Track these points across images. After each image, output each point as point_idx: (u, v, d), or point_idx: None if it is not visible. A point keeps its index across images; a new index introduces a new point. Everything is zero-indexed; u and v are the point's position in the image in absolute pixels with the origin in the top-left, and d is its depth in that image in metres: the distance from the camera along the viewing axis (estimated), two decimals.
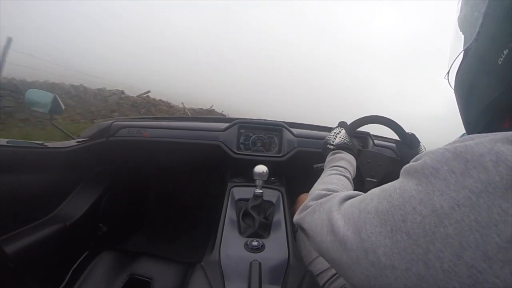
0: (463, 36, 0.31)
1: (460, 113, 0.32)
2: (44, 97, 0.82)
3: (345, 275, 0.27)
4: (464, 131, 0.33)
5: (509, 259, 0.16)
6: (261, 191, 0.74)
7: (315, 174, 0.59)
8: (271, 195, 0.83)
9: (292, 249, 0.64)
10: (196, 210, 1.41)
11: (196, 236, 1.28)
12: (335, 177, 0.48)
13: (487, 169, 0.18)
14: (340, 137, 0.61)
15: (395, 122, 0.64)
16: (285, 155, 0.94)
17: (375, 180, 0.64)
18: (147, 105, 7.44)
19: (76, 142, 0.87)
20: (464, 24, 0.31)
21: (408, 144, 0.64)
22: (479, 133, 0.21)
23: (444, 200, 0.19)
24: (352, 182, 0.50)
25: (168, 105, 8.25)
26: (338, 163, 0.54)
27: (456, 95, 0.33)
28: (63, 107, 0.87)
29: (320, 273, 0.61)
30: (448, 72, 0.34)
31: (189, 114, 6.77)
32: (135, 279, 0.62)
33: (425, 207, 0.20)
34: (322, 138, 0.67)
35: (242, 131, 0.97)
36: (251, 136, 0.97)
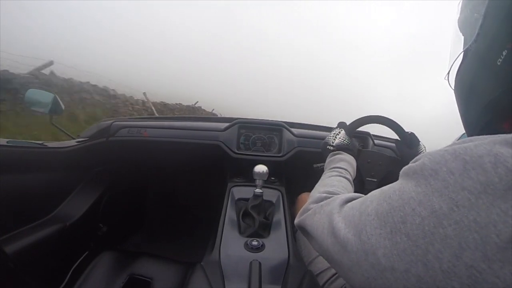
0: (463, 37, 0.32)
1: (460, 114, 0.33)
2: (44, 97, 0.82)
3: (346, 276, 0.27)
4: (464, 131, 0.33)
5: (509, 259, 0.16)
6: (261, 191, 0.74)
7: (315, 174, 0.59)
8: (271, 195, 0.83)
9: (292, 249, 0.64)
10: (196, 210, 1.40)
11: (196, 236, 1.28)
12: (336, 178, 0.48)
13: (486, 171, 0.18)
14: (339, 137, 0.61)
15: (395, 122, 0.64)
16: (285, 155, 0.94)
17: (376, 180, 0.64)
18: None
19: (76, 142, 0.88)
20: (464, 25, 0.32)
21: (408, 144, 0.64)
22: (478, 133, 0.21)
23: (443, 201, 0.19)
24: (352, 183, 0.50)
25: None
26: (338, 165, 0.54)
27: (456, 96, 0.33)
28: (63, 107, 0.87)
29: (320, 273, 0.61)
30: (448, 73, 0.34)
31: (154, 110, 6.40)
32: (135, 279, 0.62)
33: (424, 208, 0.20)
34: (322, 138, 0.67)
35: (242, 131, 0.97)
36: (251, 136, 0.97)
